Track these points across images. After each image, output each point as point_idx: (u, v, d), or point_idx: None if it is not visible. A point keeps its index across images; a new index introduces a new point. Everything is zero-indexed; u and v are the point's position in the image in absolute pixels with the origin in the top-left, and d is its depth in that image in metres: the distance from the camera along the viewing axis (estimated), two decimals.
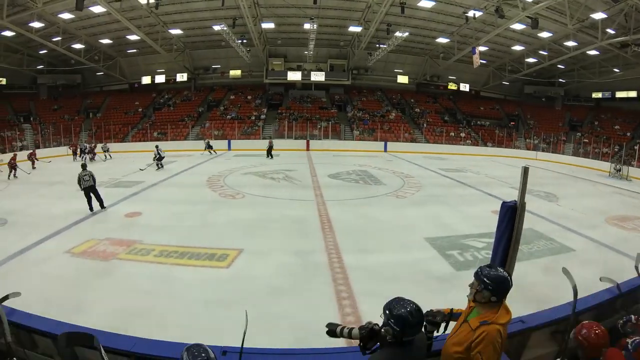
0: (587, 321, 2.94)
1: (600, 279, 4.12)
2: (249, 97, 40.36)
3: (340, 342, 5.11)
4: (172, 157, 26.07)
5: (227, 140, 33.50)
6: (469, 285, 2.79)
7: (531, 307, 4.62)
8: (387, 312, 2.43)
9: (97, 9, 24.94)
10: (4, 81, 36.53)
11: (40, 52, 33.83)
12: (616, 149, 30.25)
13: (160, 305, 6.04)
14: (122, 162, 24.52)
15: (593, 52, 29.52)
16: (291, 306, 6.05)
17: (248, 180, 17.32)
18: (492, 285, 2.65)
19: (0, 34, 27.95)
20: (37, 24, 25.92)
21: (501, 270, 2.75)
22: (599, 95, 39.08)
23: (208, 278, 7.12)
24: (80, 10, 22.19)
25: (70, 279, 6.95)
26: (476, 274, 2.75)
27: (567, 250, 8.86)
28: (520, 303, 5.30)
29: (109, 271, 7.42)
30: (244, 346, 2.75)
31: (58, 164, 23.73)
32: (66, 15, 26.02)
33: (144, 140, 33.88)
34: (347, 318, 5.65)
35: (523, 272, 6.61)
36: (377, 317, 5.39)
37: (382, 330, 2.38)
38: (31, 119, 35.84)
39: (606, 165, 25.30)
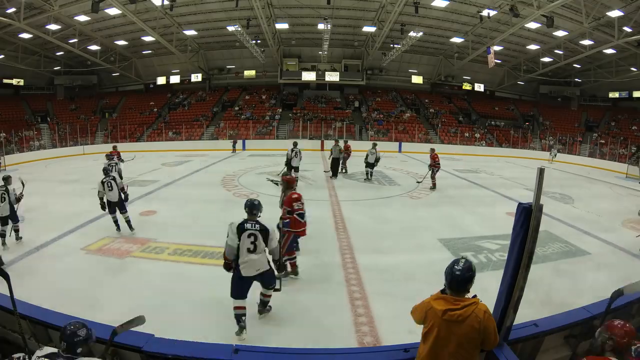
0: (618, 319, 2.91)
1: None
2: (264, 97, 40.52)
3: (351, 343, 5.14)
4: (187, 157, 26.32)
5: (241, 140, 33.63)
6: None
7: (545, 311, 4.59)
8: None
9: (113, 11, 25.32)
10: (22, 82, 37.25)
11: (57, 53, 34.48)
12: (633, 150, 29.83)
13: (173, 303, 6.09)
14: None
15: (609, 51, 29.14)
16: (304, 306, 6.06)
17: (262, 180, 17.35)
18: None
19: (18, 36, 28.57)
20: (53, 27, 26.43)
21: (461, 263, 2.94)
22: (616, 95, 38.51)
23: (221, 277, 7.15)
24: (96, 12, 22.58)
25: (85, 276, 7.05)
26: None
27: (583, 253, 8.75)
28: (535, 306, 5.29)
29: (124, 269, 7.52)
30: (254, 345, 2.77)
31: (74, 163, 24.05)
32: (82, 18, 26.49)
33: (159, 140, 34.26)
34: (359, 319, 5.65)
35: (538, 274, 6.55)
36: (388, 317, 5.42)
37: None
38: (48, 119, 36.40)
39: (623, 167, 24.96)
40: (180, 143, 33.45)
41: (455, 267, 2.89)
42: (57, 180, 17.62)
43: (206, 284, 6.76)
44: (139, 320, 3.20)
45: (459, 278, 2.87)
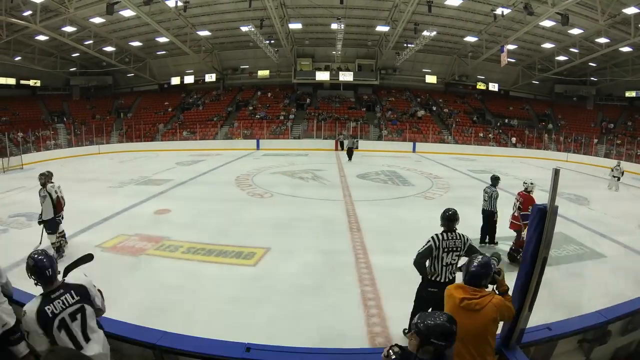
0: None
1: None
2: (278, 97, 40.60)
3: (363, 343, 5.15)
4: (201, 157, 26.49)
5: (255, 140, 33.81)
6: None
7: (559, 314, 4.56)
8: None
9: (127, 13, 25.63)
10: (38, 83, 37.96)
11: (73, 55, 35.00)
12: None
13: (187, 301, 6.15)
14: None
15: (626, 49, 28.59)
16: (317, 306, 6.08)
17: (276, 180, 17.41)
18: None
19: (35, 39, 29.06)
20: (69, 29, 26.85)
21: (479, 258, 3.17)
22: (633, 94, 37.76)
23: (235, 276, 7.21)
24: (111, 14, 22.96)
25: (99, 273, 7.07)
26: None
27: (598, 256, 8.63)
28: (548, 309, 5.24)
29: (138, 266, 7.63)
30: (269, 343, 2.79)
31: (90, 162, 24.35)
32: (97, 20, 26.82)
33: (173, 140, 34.56)
34: (371, 319, 5.66)
35: (552, 277, 6.51)
36: (400, 318, 5.40)
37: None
38: (65, 118, 36.90)
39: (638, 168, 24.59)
40: (195, 142, 33.68)
41: (473, 262, 3.11)
42: (73, 179, 17.80)
43: (219, 282, 6.83)
44: (87, 257, 3.47)
45: (473, 273, 3.06)
